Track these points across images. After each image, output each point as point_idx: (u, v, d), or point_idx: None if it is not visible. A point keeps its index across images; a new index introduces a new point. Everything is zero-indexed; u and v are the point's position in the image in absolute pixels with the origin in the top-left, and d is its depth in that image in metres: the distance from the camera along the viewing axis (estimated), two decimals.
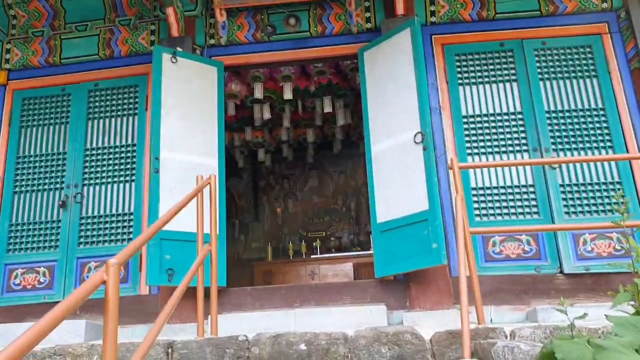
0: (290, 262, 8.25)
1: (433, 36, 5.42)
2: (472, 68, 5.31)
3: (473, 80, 5.28)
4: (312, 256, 8.54)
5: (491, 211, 4.90)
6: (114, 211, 5.33)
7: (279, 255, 8.98)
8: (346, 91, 6.86)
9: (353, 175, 9.55)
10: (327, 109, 6.65)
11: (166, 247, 4.69)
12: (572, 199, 4.86)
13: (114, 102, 5.68)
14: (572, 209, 4.83)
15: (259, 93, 6.41)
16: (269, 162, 8.90)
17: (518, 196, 4.92)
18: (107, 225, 5.28)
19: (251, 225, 9.43)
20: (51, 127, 5.66)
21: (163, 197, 4.78)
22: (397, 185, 4.73)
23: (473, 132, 5.12)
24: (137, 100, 5.64)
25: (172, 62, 5.18)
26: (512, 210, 4.88)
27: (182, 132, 5.06)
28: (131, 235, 5.22)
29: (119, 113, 5.64)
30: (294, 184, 9.68)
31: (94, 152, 5.51)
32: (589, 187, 4.88)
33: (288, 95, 6.40)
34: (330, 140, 8.54)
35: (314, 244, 8.73)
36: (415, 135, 4.67)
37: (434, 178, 4.51)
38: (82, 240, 5.25)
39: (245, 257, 9.02)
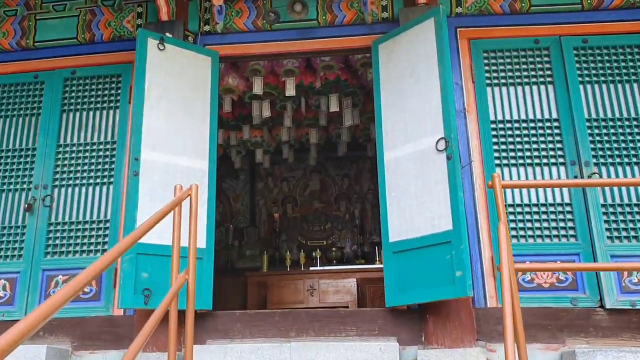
0: (287, 274, 7.62)
1: (458, 29, 4.79)
2: (502, 67, 4.68)
3: (503, 81, 4.65)
4: (311, 268, 7.91)
5: (521, 232, 4.27)
6: (87, 217, 4.70)
7: (275, 264, 8.35)
8: (355, 89, 6.22)
9: (358, 179, 8.94)
10: (334, 108, 6.01)
11: (143, 264, 4.06)
12: (615, 220, 4.23)
13: (92, 92, 5.05)
14: (615, 233, 4.20)
15: (258, 88, 5.78)
16: (267, 163, 8.27)
17: (553, 216, 4.29)
18: (80, 234, 4.66)
19: (246, 230, 8.80)
20: (20, 119, 5.03)
21: (142, 204, 4.16)
22: (414, 200, 4.10)
23: (502, 140, 4.49)
24: (119, 91, 5.02)
25: (159, 49, 4.55)
26: (546, 232, 4.25)
27: (167, 129, 4.43)
28: (106, 246, 4.59)
29: (98, 105, 5.01)
30: (293, 187, 9.06)
31: (67, 148, 4.88)
32: (636, 209, 4.25)
33: (291, 91, 5.77)
34: (335, 142, 7.91)
35: (314, 254, 8.10)
36: (437, 142, 4.05)
37: (460, 193, 3.88)
38: (49, 249, 4.62)
39: (239, 266, 8.40)
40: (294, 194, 9.02)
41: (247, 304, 7.53)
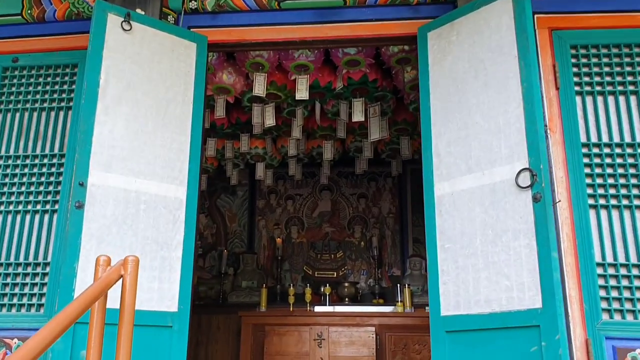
0: (290, 315, 6.40)
1: (536, 15, 3.56)
2: (598, 69, 3.48)
3: (599, 88, 3.44)
4: (318, 308, 6.69)
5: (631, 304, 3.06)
6: (20, 258, 3.51)
7: (275, 300, 7.14)
8: (386, 92, 5.00)
9: (377, 200, 7.72)
10: (358, 117, 4.78)
11: (82, 337, 2.86)
12: None
13: (39, 88, 3.88)
14: None
15: (260, 88, 4.58)
16: (270, 180, 7.07)
17: None
18: (8, 280, 3.47)
19: (243, 256, 7.60)
20: None
21: (87, 252, 2.97)
22: (480, 257, 2.90)
23: (599, 171, 3.28)
24: (73, 87, 3.84)
25: (124, 29, 3.36)
26: None
27: (130, 142, 3.24)
28: (43, 300, 3.40)
29: (45, 105, 3.84)
30: (300, 206, 7.86)
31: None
32: None
33: (302, 94, 4.56)
34: (353, 156, 6.70)
35: (322, 289, 6.88)
36: (518, 174, 2.84)
37: (554, 254, 2.67)
38: None
39: (233, 301, 7.19)
40: (300, 215, 7.81)
41: (239, 353, 6.32)
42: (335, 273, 7.55)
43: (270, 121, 4.98)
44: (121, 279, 1.70)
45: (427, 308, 6.43)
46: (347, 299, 6.98)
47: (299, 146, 6.15)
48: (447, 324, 2.95)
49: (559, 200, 3.14)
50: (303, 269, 7.63)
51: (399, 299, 6.62)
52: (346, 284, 7.09)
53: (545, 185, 2.77)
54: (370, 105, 5.03)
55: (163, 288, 3.11)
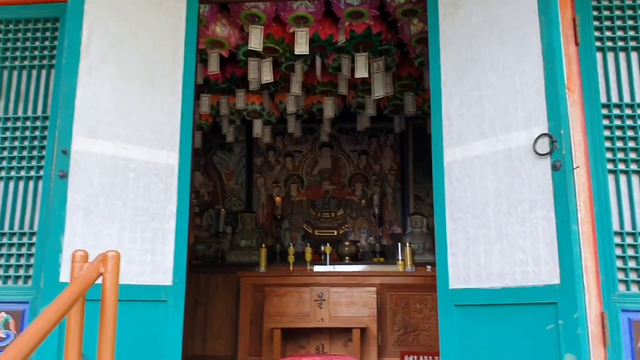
0: (289, 276, 6.30)
1: None
2: (621, 22, 3.23)
3: (622, 44, 3.20)
4: (318, 267, 6.59)
5: None
6: (4, 228, 3.34)
7: (275, 259, 7.04)
8: (391, 46, 4.72)
9: (378, 157, 7.52)
10: (361, 73, 4.53)
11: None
12: None
13: (17, 43, 3.61)
14: None
15: (256, 42, 4.31)
16: (268, 137, 6.85)
17: None
18: None
19: (241, 215, 7.45)
20: None
21: (73, 224, 2.79)
22: (493, 229, 2.72)
23: (620, 134, 3.08)
24: (55, 43, 3.58)
25: None
26: None
27: (116, 105, 3.02)
28: (31, 271, 3.25)
29: (26, 63, 3.58)
30: (299, 164, 7.66)
31: None
32: None
33: (302, 48, 4.29)
34: (354, 112, 6.47)
35: (322, 248, 6.77)
36: (536, 140, 2.64)
37: (574, 226, 2.50)
38: None
39: (232, 260, 7.07)
40: (300, 172, 7.63)
41: (238, 313, 6.25)
42: (335, 231, 7.43)
43: (267, 77, 4.72)
44: (101, 277, 1.52)
45: (428, 267, 6.40)
46: (347, 258, 6.88)
47: (298, 102, 5.91)
48: (456, 297, 2.80)
49: (577, 166, 2.95)
50: (303, 227, 7.50)
51: (400, 258, 6.52)
52: (347, 243, 6.99)
53: (565, 153, 2.57)
54: (374, 60, 4.76)
55: (156, 261, 2.95)
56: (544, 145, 2.62)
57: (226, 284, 6.92)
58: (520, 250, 2.61)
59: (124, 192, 2.92)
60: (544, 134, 2.62)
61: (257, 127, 6.30)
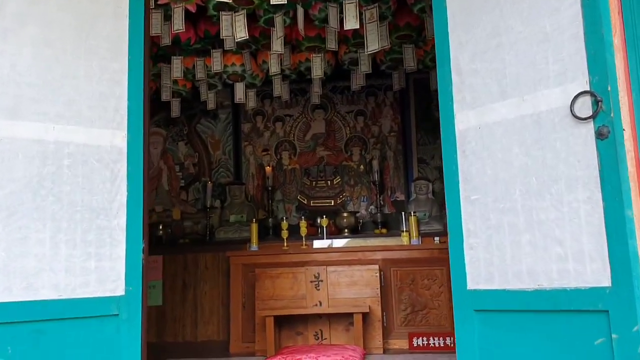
0: (283, 254, 5.81)
1: None
2: None
3: None
4: (315, 242, 6.11)
5: None
6: None
7: (267, 234, 6.53)
8: None
9: (376, 118, 6.94)
10: (351, 24, 3.90)
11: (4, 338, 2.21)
12: None
13: None
14: None
15: None
16: (253, 102, 6.25)
17: None
18: None
19: (230, 188, 6.91)
20: None
21: None
22: (521, 215, 2.18)
23: None
24: None
25: None
26: None
27: (42, 75, 2.43)
28: None
29: None
30: (290, 129, 7.08)
31: None
32: None
33: None
34: (347, 69, 5.86)
35: (319, 220, 6.27)
36: (574, 100, 2.06)
37: (629, 211, 1.95)
38: None
39: (221, 237, 6.57)
40: (292, 138, 7.05)
41: (229, 295, 5.78)
42: (332, 201, 6.90)
43: (242, 33, 4.10)
44: None
45: (436, 238, 5.90)
46: (346, 230, 6.40)
47: (283, 61, 5.29)
48: (476, 300, 2.28)
49: (623, 130, 2.38)
50: (297, 198, 6.98)
51: (404, 229, 6.02)
52: (345, 214, 6.49)
53: (614, 116, 2.00)
54: (366, 8, 4.12)
55: (103, 267, 2.42)
56: (585, 107, 2.04)
57: (215, 263, 6.42)
58: (557, 243, 2.07)
59: (57, 185, 2.37)
60: (585, 92, 2.05)
61: (240, 90, 5.71)
